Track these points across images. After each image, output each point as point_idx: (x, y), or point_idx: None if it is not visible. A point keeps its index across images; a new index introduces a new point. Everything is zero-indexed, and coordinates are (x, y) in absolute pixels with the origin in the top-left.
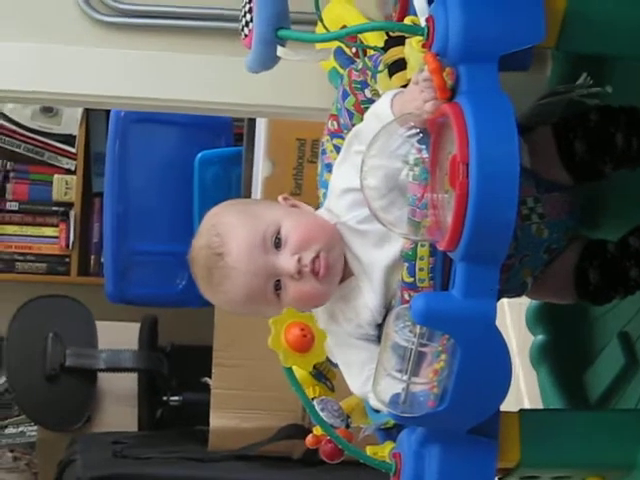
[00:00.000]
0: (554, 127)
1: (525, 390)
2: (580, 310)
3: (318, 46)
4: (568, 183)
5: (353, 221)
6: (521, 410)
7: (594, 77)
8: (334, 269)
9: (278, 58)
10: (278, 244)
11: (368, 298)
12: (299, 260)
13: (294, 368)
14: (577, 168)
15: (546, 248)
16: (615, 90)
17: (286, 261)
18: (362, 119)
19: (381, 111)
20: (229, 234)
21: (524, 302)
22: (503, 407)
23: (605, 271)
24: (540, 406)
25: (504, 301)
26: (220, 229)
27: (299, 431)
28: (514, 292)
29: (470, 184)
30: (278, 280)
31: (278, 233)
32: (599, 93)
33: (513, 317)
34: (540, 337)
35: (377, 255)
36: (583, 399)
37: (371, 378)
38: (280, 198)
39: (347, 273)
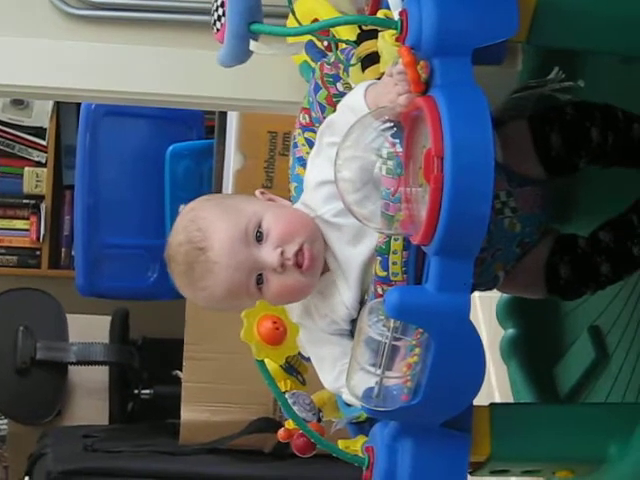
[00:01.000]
0: (530, 121)
1: (496, 384)
2: (551, 304)
3: (290, 40)
4: (541, 177)
5: (329, 214)
6: (492, 404)
7: (565, 71)
8: (317, 261)
9: (251, 52)
10: (260, 238)
11: (344, 295)
12: (282, 253)
13: (266, 361)
14: (552, 161)
15: (519, 242)
16: (586, 84)
17: (269, 254)
18: (334, 112)
19: (354, 103)
20: (210, 228)
21: (495, 296)
22: (474, 401)
23: (576, 266)
24: (511, 400)
25: (475, 295)
26: (201, 224)
27: (270, 425)
28: (485, 286)
29: (445, 178)
30: (260, 274)
31: (259, 226)
32: (571, 87)
33: (484, 311)
34: (511, 331)
35: (353, 252)
36: (553, 393)
37: (344, 373)
38: (257, 192)
39: (324, 268)
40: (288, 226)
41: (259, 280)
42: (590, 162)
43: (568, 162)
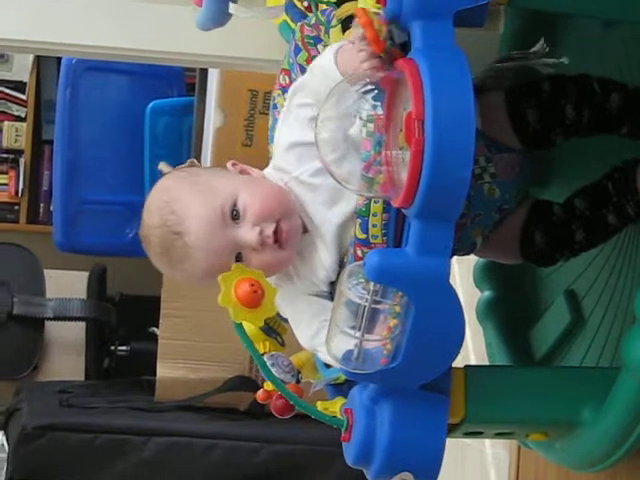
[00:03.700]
0: (506, 95)
1: (472, 346)
2: (528, 267)
3: (269, 2)
4: (518, 146)
5: (305, 175)
6: (466, 366)
7: (547, 35)
8: (295, 235)
9: (230, 15)
10: (236, 216)
11: (323, 256)
12: (260, 232)
13: (244, 323)
14: (529, 137)
15: (497, 208)
16: (568, 49)
17: (247, 233)
18: None
19: (326, 66)
20: (185, 211)
21: (472, 258)
22: None
23: (550, 234)
24: (486, 362)
25: (453, 257)
26: (175, 206)
27: (246, 383)
28: (464, 251)
29: (426, 141)
30: (239, 252)
31: (235, 205)
32: (554, 64)
33: (461, 273)
34: (487, 293)
35: (327, 214)
36: (529, 356)
37: (321, 331)
38: (229, 164)
39: (303, 229)
40: (265, 203)
41: (238, 258)
42: (567, 137)
43: (545, 138)
